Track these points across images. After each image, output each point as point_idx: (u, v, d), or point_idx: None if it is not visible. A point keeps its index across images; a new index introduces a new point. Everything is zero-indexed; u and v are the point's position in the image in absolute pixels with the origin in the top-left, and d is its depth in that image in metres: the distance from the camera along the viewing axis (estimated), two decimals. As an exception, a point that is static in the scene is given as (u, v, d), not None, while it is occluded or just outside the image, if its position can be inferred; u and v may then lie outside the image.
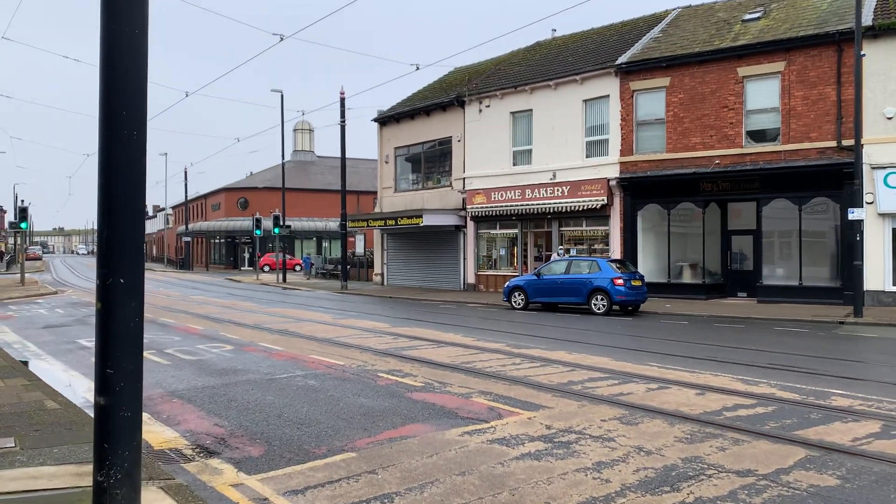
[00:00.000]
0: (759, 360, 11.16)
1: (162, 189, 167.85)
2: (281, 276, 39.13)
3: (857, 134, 17.27)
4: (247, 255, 60.16)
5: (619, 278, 18.94)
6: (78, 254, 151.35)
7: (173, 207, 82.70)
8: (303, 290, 32.21)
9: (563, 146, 25.69)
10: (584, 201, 24.55)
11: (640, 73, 23.70)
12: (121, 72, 3.91)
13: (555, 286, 20.21)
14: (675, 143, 22.87)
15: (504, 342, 13.30)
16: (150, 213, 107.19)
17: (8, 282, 36.15)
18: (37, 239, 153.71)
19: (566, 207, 25.14)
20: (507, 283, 22.09)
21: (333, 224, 54.10)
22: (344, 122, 32.42)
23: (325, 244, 62.53)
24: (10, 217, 71.02)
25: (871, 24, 18.92)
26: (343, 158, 32.89)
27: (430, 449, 6.16)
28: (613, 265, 19.49)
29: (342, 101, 32.08)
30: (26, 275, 36.71)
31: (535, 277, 20.93)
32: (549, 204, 25.63)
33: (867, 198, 18.82)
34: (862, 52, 17.35)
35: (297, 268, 52.30)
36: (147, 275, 53.38)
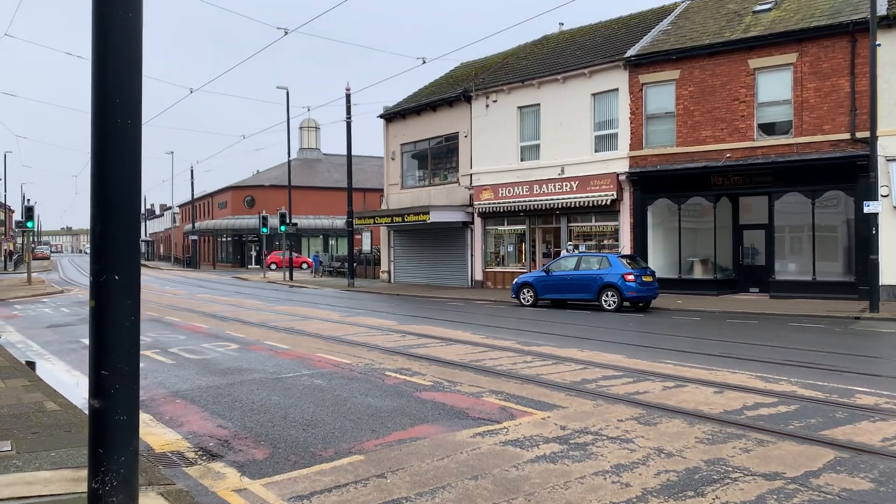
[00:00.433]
0: (775, 356, 10.89)
1: (169, 187, 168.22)
2: (288, 273, 39.00)
3: (873, 126, 16.92)
4: (254, 254, 60.13)
5: (630, 274, 18.67)
6: (86, 253, 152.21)
7: (180, 206, 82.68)
8: (310, 287, 32.06)
9: (571, 141, 25.39)
10: (593, 196, 24.26)
11: (650, 66, 23.38)
12: (113, 56, 3.70)
13: (564, 283, 19.96)
14: (686, 137, 22.54)
15: (514, 340, 13.06)
16: (157, 211, 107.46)
17: (15, 281, 36.11)
18: (45, 238, 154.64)
19: (575, 203, 24.85)
20: (515, 280, 21.85)
21: (340, 222, 53.93)
22: (350, 118, 32.22)
23: (332, 242, 62.40)
24: (17, 216, 71.19)
25: (885, 13, 18.57)
26: (349, 156, 32.71)
27: (441, 451, 5.93)
28: (624, 261, 19.22)
29: (348, 97, 31.84)
30: (33, 274, 36.73)
31: (543, 274, 20.70)
32: (558, 199, 25.35)
33: (882, 191, 18.48)
34: (877, 43, 17.01)
35: (304, 266, 52.21)
36: (154, 273, 53.34)
